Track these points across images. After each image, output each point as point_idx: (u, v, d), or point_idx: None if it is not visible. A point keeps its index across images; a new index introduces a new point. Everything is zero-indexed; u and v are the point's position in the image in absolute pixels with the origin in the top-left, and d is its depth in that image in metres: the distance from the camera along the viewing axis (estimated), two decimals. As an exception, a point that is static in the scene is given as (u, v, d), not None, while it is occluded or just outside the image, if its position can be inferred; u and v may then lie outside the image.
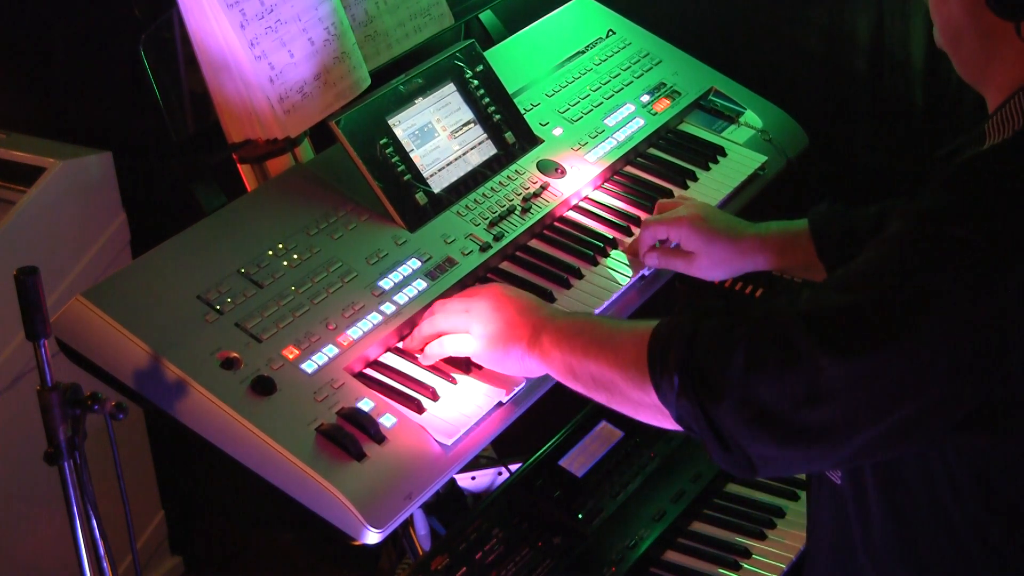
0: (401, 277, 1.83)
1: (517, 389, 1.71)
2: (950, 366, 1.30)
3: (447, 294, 1.84)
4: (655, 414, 1.49)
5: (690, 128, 2.35)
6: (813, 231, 1.91)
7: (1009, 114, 1.40)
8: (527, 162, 2.10)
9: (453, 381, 1.72)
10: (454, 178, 2.00)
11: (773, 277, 2.17)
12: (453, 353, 1.70)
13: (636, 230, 2.03)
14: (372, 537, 1.53)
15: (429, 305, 1.81)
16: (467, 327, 1.68)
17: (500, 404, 1.70)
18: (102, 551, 1.58)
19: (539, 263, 1.96)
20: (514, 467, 2.13)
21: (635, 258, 1.99)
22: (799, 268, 1.96)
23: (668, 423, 1.48)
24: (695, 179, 2.21)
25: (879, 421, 1.33)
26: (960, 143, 1.52)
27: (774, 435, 1.35)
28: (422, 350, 1.73)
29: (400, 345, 1.75)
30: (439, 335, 1.71)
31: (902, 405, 1.32)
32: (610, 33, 2.45)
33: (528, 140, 2.13)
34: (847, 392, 1.31)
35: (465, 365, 1.73)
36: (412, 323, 1.79)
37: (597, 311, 1.88)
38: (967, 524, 1.43)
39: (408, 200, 1.93)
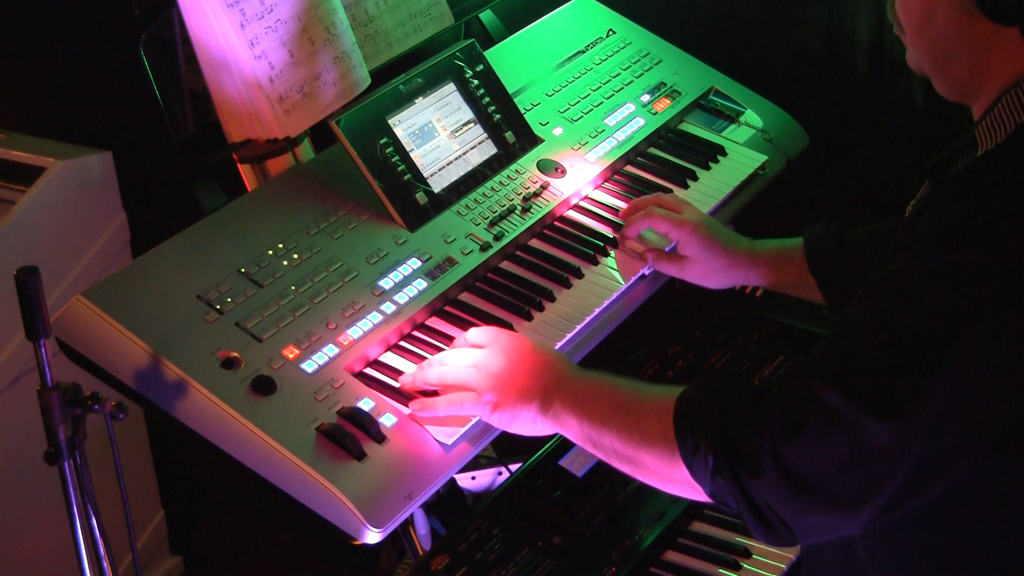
0: (401, 277, 1.83)
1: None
2: (987, 396, 1.29)
3: (448, 294, 1.85)
4: (686, 488, 1.46)
5: (690, 128, 2.36)
6: (807, 246, 1.92)
7: (999, 117, 1.39)
8: (527, 162, 2.10)
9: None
10: (454, 178, 2.00)
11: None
12: (464, 413, 1.63)
13: (626, 224, 2.02)
14: (372, 537, 1.53)
15: (430, 304, 1.81)
16: (475, 385, 1.61)
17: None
18: (102, 551, 1.57)
19: (539, 263, 1.96)
20: (514, 467, 2.12)
21: (628, 262, 1.98)
22: (791, 284, 1.97)
23: (700, 496, 1.45)
24: (695, 178, 2.21)
25: (925, 469, 1.31)
26: (950, 151, 1.50)
27: (818, 503, 1.34)
28: (420, 394, 1.66)
29: (398, 383, 1.68)
30: (443, 387, 1.64)
31: (945, 446, 1.30)
32: (610, 33, 2.45)
33: (528, 140, 2.13)
34: (894, 448, 1.29)
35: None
36: (413, 322, 1.79)
37: (598, 310, 1.88)
38: (971, 526, 1.43)
39: (408, 200, 1.93)
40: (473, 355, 1.64)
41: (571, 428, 1.57)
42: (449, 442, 1.63)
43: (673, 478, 1.46)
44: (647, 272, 1.97)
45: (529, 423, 1.60)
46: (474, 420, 1.66)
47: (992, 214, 1.30)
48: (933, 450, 1.30)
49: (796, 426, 1.33)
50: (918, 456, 1.30)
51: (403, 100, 1.99)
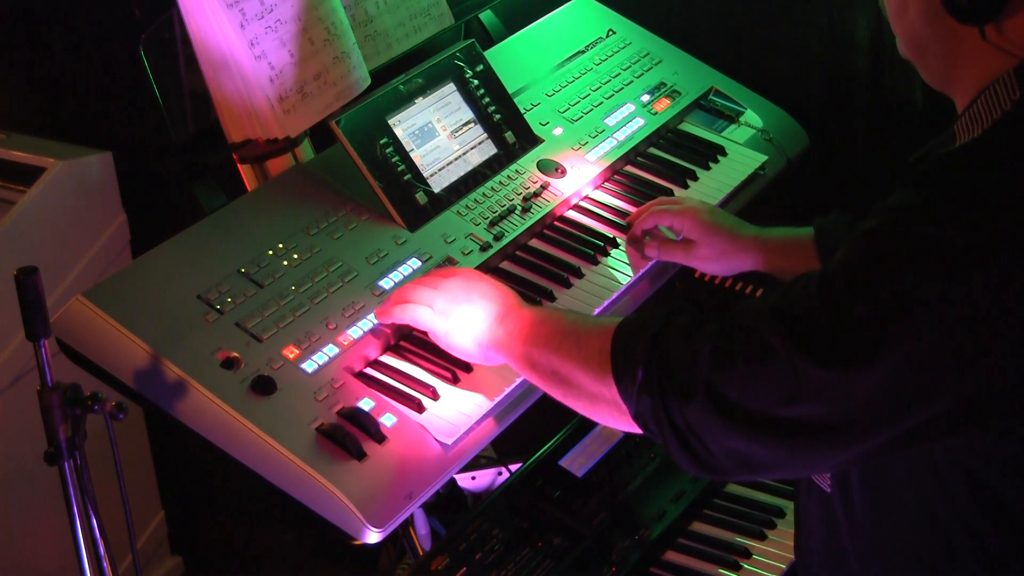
0: (401, 277, 1.83)
1: (507, 390, 1.70)
2: (933, 368, 1.28)
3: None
4: (612, 410, 1.47)
5: (690, 128, 2.36)
6: (818, 234, 1.92)
7: (977, 114, 1.40)
8: (527, 162, 2.10)
9: (454, 381, 1.72)
10: (454, 178, 2.00)
11: (771, 277, 2.17)
12: (411, 323, 1.69)
13: (633, 227, 2.03)
14: (373, 536, 1.53)
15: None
16: (432, 301, 1.67)
17: (490, 413, 1.70)
18: (102, 551, 1.58)
19: (539, 262, 1.96)
20: (514, 467, 2.13)
21: (636, 254, 1.99)
22: (799, 272, 1.96)
23: (624, 422, 1.46)
24: (695, 178, 2.21)
25: (855, 431, 1.31)
26: (931, 146, 1.52)
27: (744, 429, 1.34)
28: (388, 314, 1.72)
29: (372, 315, 1.74)
30: (405, 303, 1.70)
31: (883, 413, 1.30)
32: (610, 33, 2.45)
33: (528, 140, 2.13)
34: (825, 397, 1.30)
35: (466, 364, 1.73)
36: (412, 323, 1.79)
37: (598, 310, 1.88)
38: (958, 524, 1.43)
39: (408, 200, 1.93)
40: (437, 280, 1.70)
41: (515, 350, 1.58)
42: (449, 442, 1.63)
43: (603, 397, 1.47)
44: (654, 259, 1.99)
45: (476, 343, 1.63)
46: (474, 420, 1.66)
47: (959, 194, 1.31)
48: (868, 414, 1.30)
49: (731, 355, 1.34)
50: (849, 414, 1.30)
51: (403, 100, 1.99)
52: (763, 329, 1.33)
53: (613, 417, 1.48)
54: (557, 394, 1.55)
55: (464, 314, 1.64)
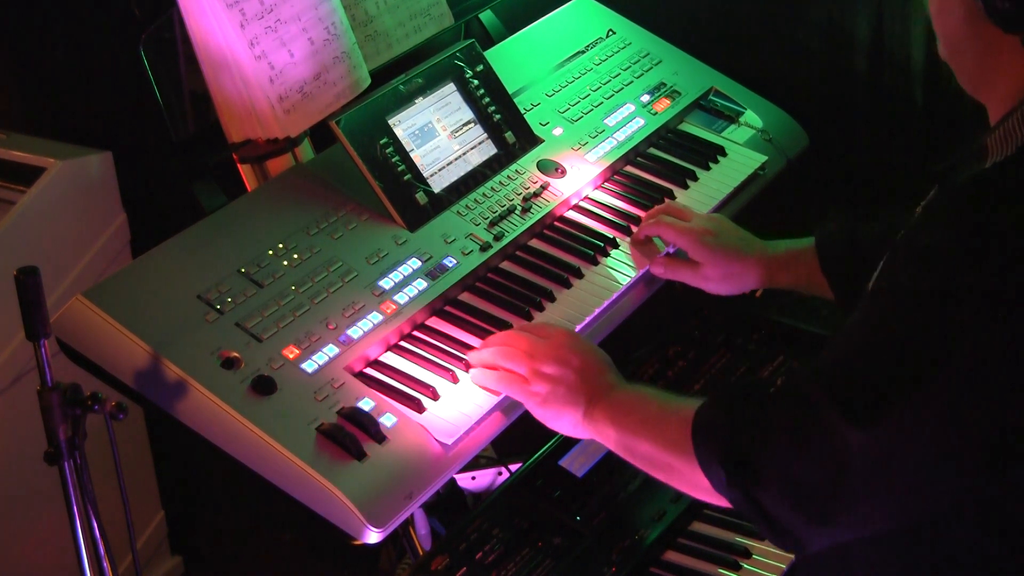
0: (401, 277, 1.83)
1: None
2: (970, 417, 1.30)
3: (448, 294, 1.85)
4: (713, 497, 1.49)
5: (690, 128, 2.35)
6: (819, 246, 1.92)
7: (1012, 129, 1.38)
8: (527, 162, 2.10)
9: (454, 380, 1.72)
10: (454, 178, 2.00)
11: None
12: (505, 393, 1.69)
13: (636, 229, 2.03)
14: (373, 536, 1.53)
15: (430, 304, 1.81)
16: (527, 374, 1.66)
17: (490, 412, 1.70)
18: (102, 551, 1.58)
19: (539, 263, 1.96)
20: (514, 467, 2.12)
21: (638, 256, 1.99)
22: (804, 284, 1.97)
23: (727, 503, 1.48)
24: (695, 179, 2.21)
25: (909, 483, 1.33)
26: (959, 157, 1.49)
27: (814, 515, 1.36)
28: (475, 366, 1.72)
29: (468, 356, 1.73)
30: (496, 368, 1.69)
31: (926, 464, 1.32)
32: (610, 33, 2.45)
33: (528, 140, 2.13)
34: (875, 460, 1.31)
35: (466, 364, 1.73)
36: (413, 322, 1.79)
37: (598, 310, 1.88)
38: (962, 532, 1.43)
39: (408, 200, 1.93)
40: (530, 343, 1.68)
41: (608, 436, 1.61)
42: (449, 442, 1.63)
43: (702, 486, 1.49)
44: (671, 251, 2.00)
45: (570, 426, 1.65)
46: (475, 420, 1.66)
47: (994, 234, 1.30)
48: (910, 465, 1.32)
49: (800, 442, 1.36)
50: (896, 469, 1.32)
51: (403, 100, 1.99)
52: (813, 400, 1.34)
53: (716, 501, 1.50)
54: (660, 478, 1.57)
55: (557, 399, 1.64)
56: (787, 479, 1.36)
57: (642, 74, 2.39)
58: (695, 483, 1.50)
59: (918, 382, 1.29)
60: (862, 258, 1.88)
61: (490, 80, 2.11)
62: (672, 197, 2.14)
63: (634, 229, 2.03)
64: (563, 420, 1.65)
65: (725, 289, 1.98)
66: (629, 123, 2.27)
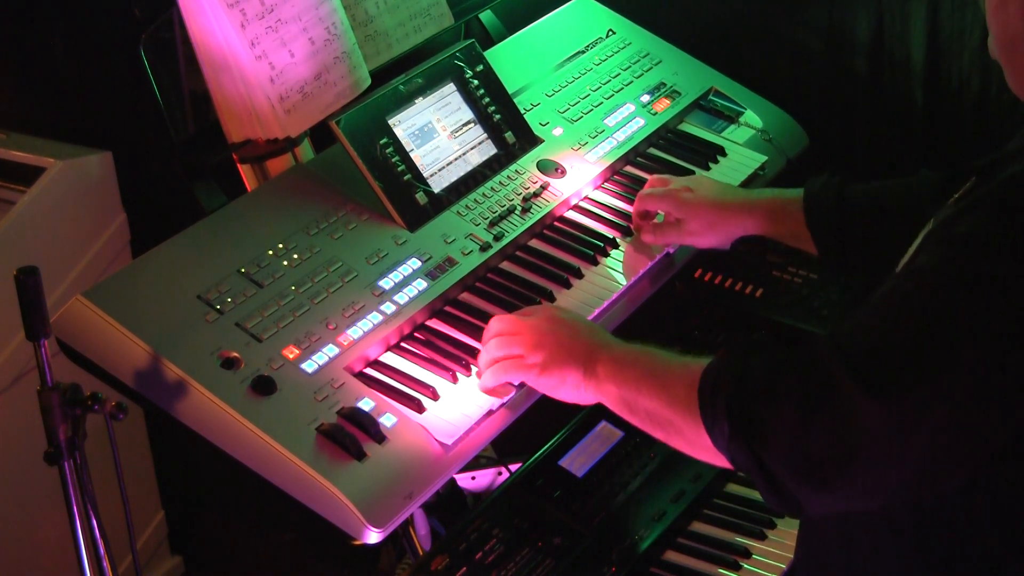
0: (401, 277, 1.83)
1: (510, 396, 1.71)
2: (988, 404, 1.30)
3: (448, 294, 1.85)
4: (711, 455, 1.48)
5: (690, 128, 2.36)
6: (806, 200, 1.93)
7: None
8: (527, 162, 2.10)
9: (454, 380, 1.72)
10: (454, 178, 2.00)
11: (771, 277, 2.17)
12: (512, 379, 1.68)
13: (633, 225, 2.04)
14: (373, 537, 1.53)
15: (430, 304, 1.81)
16: (522, 349, 1.65)
17: (491, 412, 1.70)
18: (102, 551, 1.58)
19: (539, 263, 1.96)
20: (514, 467, 2.12)
21: (644, 245, 2.02)
22: (788, 236, 1.98)
23: (724, 463, 1.47)
24: (695, 179, 2.21)
25: (917, 462, 1.33)
26: (1003, 154, 1.48)
27: (816, 479, 1.36)
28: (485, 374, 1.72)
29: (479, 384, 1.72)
30: (495, 361, 1.68)
31: (940, 446, 1.31)
32: (610, 33, 2.45)
33: (528, 140, 2.13)
34: (887, 434, 1.31)
35: (466, 364, 1.73)
36: (413, 323, 1.79)
37: (598, 310, 1.88)
38: (972, 535, 1.43)
39: (408, 200, 1.93)
40: (515, 325, 1.68)
41: (610, 393, 1.59)
42: (449, 442, 1.63)
43: (701, 444, 1.48)
44: (671, 251, 2.01)
45: (573, 389, 1.63)
46: (475, 420, 1.66)
47: None
48: (919, 444, 1.31)
49: (810, 409, 1.35)
50: (905, 445, 1.31)
51: (403, 100, 1.99)
52: (835, 380, 1.33)
53: (714, 460, 1.49)
54: (658, 436, 1.56)
55: (556, 363, 1.63)
56: (793, 440, 1.35)
57: (642, 74, 2.39)
58: (694, 441, 1.48)
59: (940, 362, 1.29)
60: (849, 217, 1.89)
61: (490, 80, 2.11)
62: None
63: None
64: (567, 385, 1.62)
65: (712, 240, 1.99)
66: (629, 123, 2.27)
